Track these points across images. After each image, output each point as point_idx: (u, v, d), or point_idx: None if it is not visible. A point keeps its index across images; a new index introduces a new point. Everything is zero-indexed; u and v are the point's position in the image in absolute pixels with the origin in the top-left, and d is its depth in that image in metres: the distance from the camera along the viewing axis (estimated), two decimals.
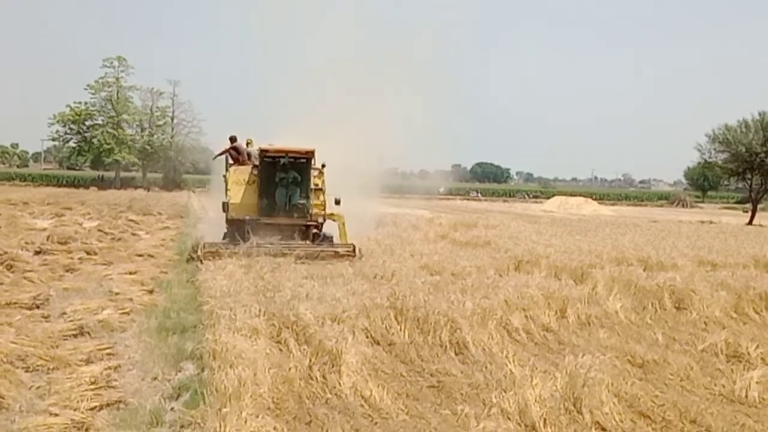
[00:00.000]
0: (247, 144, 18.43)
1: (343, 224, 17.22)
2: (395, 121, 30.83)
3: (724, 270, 15.35)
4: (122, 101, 78.64)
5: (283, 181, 17.07)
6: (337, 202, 17.37)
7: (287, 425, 6.22)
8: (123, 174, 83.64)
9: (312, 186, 17.23)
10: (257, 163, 17.37)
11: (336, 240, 17.12)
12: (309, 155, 17.06)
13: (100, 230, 22.59)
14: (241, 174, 17.34)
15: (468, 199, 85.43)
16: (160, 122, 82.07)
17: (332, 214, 17.39)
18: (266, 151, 17.01)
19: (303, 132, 21.30)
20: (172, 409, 6.55)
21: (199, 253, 15.11)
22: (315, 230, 17.28)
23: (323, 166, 17.56)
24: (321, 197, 17.40)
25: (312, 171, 17.31)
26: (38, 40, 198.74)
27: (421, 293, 10.46)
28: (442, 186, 73.40)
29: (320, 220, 17.36)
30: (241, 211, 16.82)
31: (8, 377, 7.06)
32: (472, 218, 31.69)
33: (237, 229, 16.48)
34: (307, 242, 16.76)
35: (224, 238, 16.66)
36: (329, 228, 17.65)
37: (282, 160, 17.00)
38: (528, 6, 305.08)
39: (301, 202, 17.09)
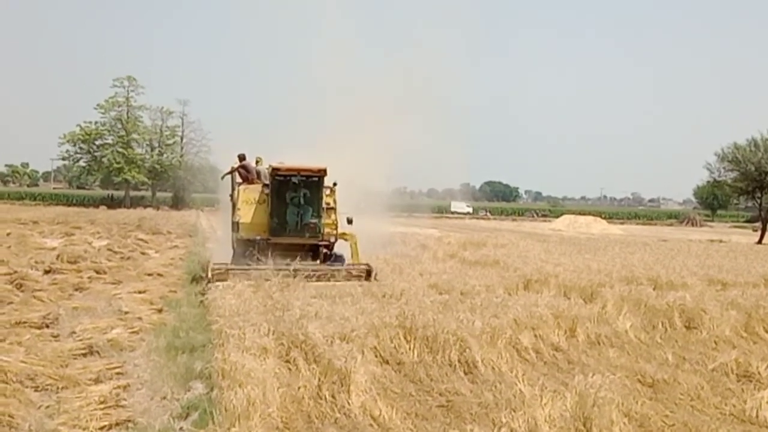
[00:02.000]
0: (257, 162, 18.05)
1: (356, 244, 16.98)
2: (404, 140, 30.92)
3: (734, 289, 15.32)
4: (132, 121, 79.20)
5: (295, 200, 16.63)
6: (350, 221, 17.12)
7: None
8: (132, 193, 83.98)
9: (324, 205, 16.85)
10: (267, 181, 17.08)
11: (348, 260, 16.85)
12: (321, 173, 16.62)
13: (109, 249, 22.65)
14: (252, 193, 16.99)
15: (477, 218, 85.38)
16: (170, 141, 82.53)
17: (344, 234, 17.08)
18: (278, 169, 16.61)
19: (311, 150, 21.28)
20: (181, 428, 6.56)
21: (209, 274, 14.70)
22: (326, 250, 16.94)
23: (335, 184, 17.20)
24: (333, 216, 17.03)
25: (324, 190, 16.92)
26: (48, 60, 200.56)
27: (430, 312, 10.44)
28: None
29: (332, 239, 16.98)
30: (252, 230, 16.49)
31: (18, 396, 7.09)
32: (481, 237, 31.68)
33: (247, 249, 16.21)
34: (318, 262, 16.53)
35: (233, 258, 16.41)
36: (340, 247, 17.32)
37: (293, 179, 16.58)
38: (535, 21, 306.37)
39: (313, 221, 16.63)
